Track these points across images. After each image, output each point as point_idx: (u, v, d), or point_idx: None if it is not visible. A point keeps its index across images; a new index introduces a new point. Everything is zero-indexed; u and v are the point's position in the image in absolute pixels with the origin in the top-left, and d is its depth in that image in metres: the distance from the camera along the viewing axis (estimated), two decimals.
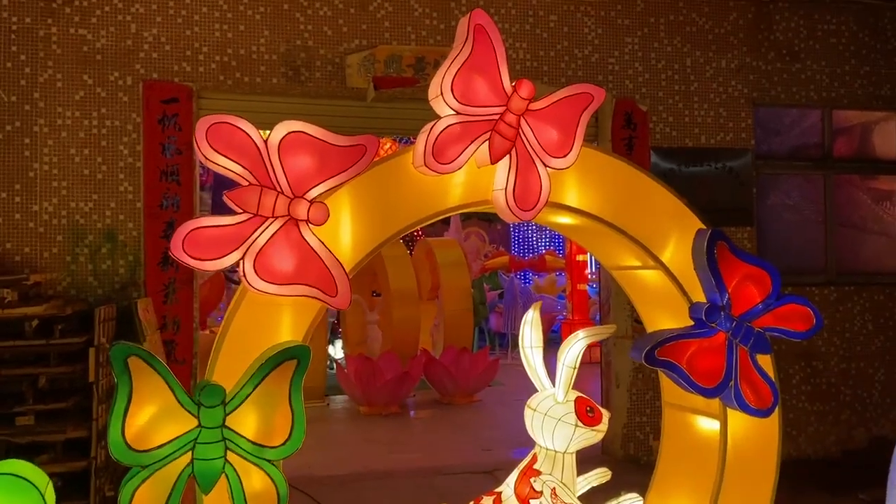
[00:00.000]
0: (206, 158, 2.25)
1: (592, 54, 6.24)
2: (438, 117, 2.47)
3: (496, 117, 2.47)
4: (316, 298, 2.35)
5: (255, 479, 2.28)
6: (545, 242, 18.30)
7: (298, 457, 2.29)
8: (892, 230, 7.00)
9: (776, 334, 2.79)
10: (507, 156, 2.50)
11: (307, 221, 2.32)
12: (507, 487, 2.82)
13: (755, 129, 6.57)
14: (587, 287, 13.50)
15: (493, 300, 14.19)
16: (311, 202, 2.32)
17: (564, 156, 2.56)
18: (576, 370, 2.66)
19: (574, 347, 2.63)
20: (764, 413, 2.76)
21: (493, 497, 2.81)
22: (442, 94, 2.40)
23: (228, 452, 2.23)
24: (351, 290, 2.39)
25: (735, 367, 2.74)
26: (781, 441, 2.94)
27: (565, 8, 6.19)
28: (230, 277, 9.42)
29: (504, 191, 2.50)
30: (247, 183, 2.28)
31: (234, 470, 2.23)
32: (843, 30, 6.75)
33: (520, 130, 2.50)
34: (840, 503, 5.51)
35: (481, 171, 2.57)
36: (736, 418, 2.88)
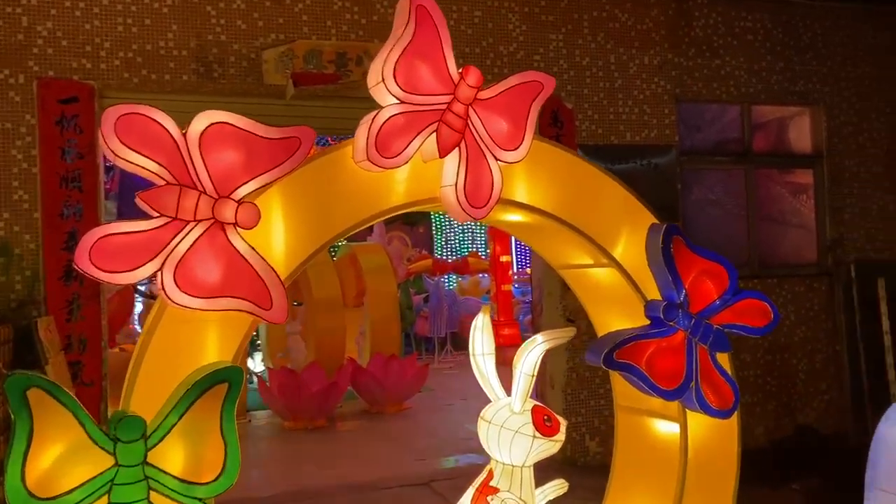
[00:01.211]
0: (115, 155, 1.95)
1: (518, 51, 6.13)
2: (374, 110, 2.25)
3: (443, 107, 2.26)
4: (248, 312, 2.08)
5: None
6: (468, 245, 18.24)
7: None
8: (809, 223, 7.18)
9: (735, 331, 2.70)
10: (456, 149, 2.29)
11: (235, 225, 2.05)
12: None
13: (678, 125, 6.61)
14: (511, 288, 13.49)
15: (419, 304, 14.00)
16: (239, 203, 2.06)
17: (516, 148, 2.38)
18: (534, 377, 2.48)
19: (532, 353, 2.45)
20: (725, 414, 2.66)
21: None
22: (384, 80, 2.17)
23: (152, 493, 1.93)
24: (288, 302, 2.13)
25: (695, 367, 2.62)
26: (741, 441, 2.85)
27: (489, 4, 6.05)
28: (139, 290, 8.83)
29: (454, 187, 2.29)
30: (163, 182, 1.99)
31: None
32: (759, 27, 6.88)
33: (469, 121, 2.30)
34: (774, 495, 5.57)
35: (427, 166, 2.36)
36: (696, 420, 2.77)
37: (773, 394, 6.82)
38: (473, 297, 15.06)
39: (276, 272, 2.11)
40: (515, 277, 14.47)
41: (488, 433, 2.58)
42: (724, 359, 2.74)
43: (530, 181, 2.59)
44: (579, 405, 6.32)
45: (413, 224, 17.20)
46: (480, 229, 17.82)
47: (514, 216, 2.69)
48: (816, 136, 7.14)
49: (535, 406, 2.57)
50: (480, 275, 15.77)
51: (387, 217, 2.45)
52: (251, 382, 9.92)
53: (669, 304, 2.63)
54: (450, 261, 16.64)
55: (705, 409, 2.61)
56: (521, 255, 16.53)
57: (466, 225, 18.45)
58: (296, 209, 2.26)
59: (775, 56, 6.91)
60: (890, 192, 7.28)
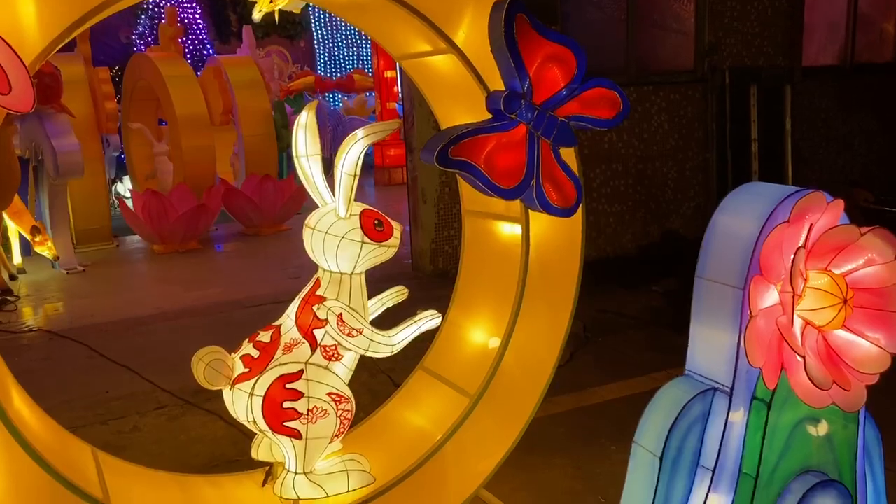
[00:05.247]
0: None
1: None
2: None
3: None
4: None
5: None
6: (353, 61, 17.33)
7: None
8: (689, 28, 6.99)
9: (581, 124, 2.48)
10: None
11: None
12: (288, 319, 2.45)
13: None
14: (396, 106, 13.00)
15: None
16: None
17: None
18: (356, 178, 2.23)
19: (352, 151, 2.18)
20: (567, 212, 2.50)
21: (270, 331, 2.43)
22: None
23: None
24: (34, 87, 1.73)
25: (537, 163, 2.42)
26: (584, 241, 2.74)
27: None
28: None
29: None
30: None
31: None
32: None
33: None
34: (636, 295, 5.79)
35: None
36: (538, 220, 2.63)
37: (643, 202, 6.94)
38: (359, 116, 14.52)
39: (12, 48, 1.69)
40: (401, 94, 13.94)
41: (313, 240, 2.37)
42: (569, 155, 2.55)
43: None
44: (452, 219, 6.24)
45: (293, 38, 16.09)
46: (366, 43, 16.90)
47: None
48: None
49: (364, 210, 2.35)
50: (367, 93, 15.14)
51: None
52: (115, 207, 9.40)
53: (511, 93, 2.37)
54: (334, 78, 15.82)
55: (546, 207, 2.44)
56: None
57: (351, 39, 17.43)
58: None
59: None
60: None
